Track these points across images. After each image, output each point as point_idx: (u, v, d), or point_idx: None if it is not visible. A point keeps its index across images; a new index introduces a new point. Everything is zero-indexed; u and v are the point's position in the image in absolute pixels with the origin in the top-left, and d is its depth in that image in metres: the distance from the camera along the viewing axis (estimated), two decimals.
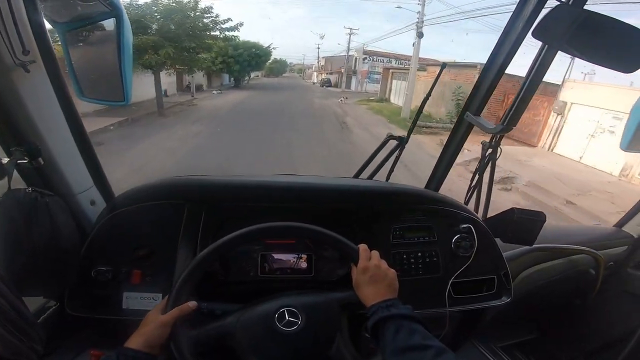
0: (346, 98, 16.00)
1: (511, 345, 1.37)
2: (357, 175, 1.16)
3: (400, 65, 21.93)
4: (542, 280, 1.18)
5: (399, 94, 15.32)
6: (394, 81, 16.56)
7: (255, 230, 0.61)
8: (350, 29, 28.24)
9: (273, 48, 22.86)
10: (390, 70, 18.52)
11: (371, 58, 28.17)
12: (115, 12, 0.52)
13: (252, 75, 34.00)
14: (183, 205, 0.75)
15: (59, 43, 0.57)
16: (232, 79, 23.23)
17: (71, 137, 0.68)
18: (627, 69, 0.66)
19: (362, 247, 0.61)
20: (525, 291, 1.13)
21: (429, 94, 1.06)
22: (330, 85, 33.62)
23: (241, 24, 9.81)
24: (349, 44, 28.13)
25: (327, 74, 36.68)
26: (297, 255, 0.80)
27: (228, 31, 9.57)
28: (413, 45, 10.41)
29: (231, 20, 9.72)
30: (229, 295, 0.69)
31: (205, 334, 0.57)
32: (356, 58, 28.93)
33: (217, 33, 9.65)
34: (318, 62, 42.89)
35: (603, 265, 1.22)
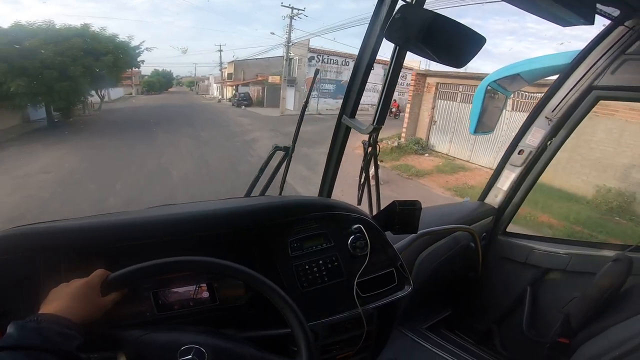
0: None
1: (435, 323, 1.90)
2: (248, 194, 1.42)
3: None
4: (436, 261, 1.66)
5: None
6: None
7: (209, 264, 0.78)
8: (293, 8, 20.21)
9: (146, 49, 16.29)
10: (437, 84, 11.24)
11: (320, 58, 23.23)
12: None
13: (119, 94, 24.92)
14: (36, 256, 0.84)
15: None
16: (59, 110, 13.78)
17: None
18: (460, 64, 0.99)
19: None
20: (427, 273, 1.58)
21: (306, 102, 1.40)
22: (250, 104, 26.68)
23: None
24: (289, 34, 20.22)
25: (239, 85, 30.09)
26: (195, 286, 0.94)
27: None
28: None
29: None
30: None
31: (99, 332, 0.68)
32: (292, 59, 23.36)
33: None
34: (222, 70, 36.99)
35: (477, 238, 1.78)
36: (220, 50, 36.91)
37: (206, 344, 0.72)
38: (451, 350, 1.68)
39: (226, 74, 36.27)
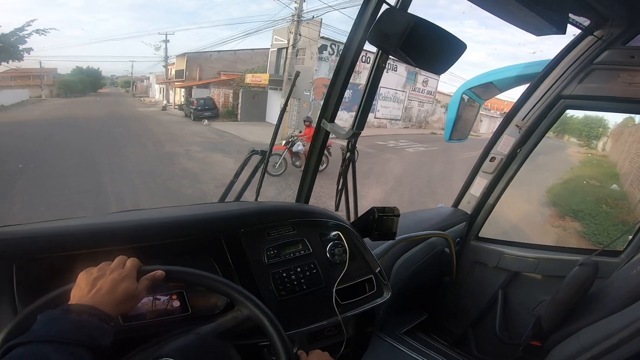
0: None
1: (412, 328, 2.08)
2: (222, 199, 1.48)
3: None
4: (413, 266, 1.80)
5: None
6: None
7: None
8: None
9: (36, 31, 12.39)
10: None
11: (335, 49, 17.64)
12: None
13: (22, 96, 20.33)
14: None
15: None
16: None
17: None
18: (441, 70, 1.11)
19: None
20: (404, 279, 1.70)
21: (284, 106, 1.49)
22: (215, 116, 20.11)
23: None
24: (300, 2, 13.92)
25: (194, 87, 23.81)
26: (165, 295, 0.97)
27: None
28: None
29: None
30: None
31: None
32: (284, 49, 16.97)
33: None
34: (167, 67, 31.58)
35: (452, 243, 1.97)
36: (166, 41, 30.42)
37: (170, 351, 0.76)
38: (428, 353, 1.85)
39: (173, 72, 30.37)
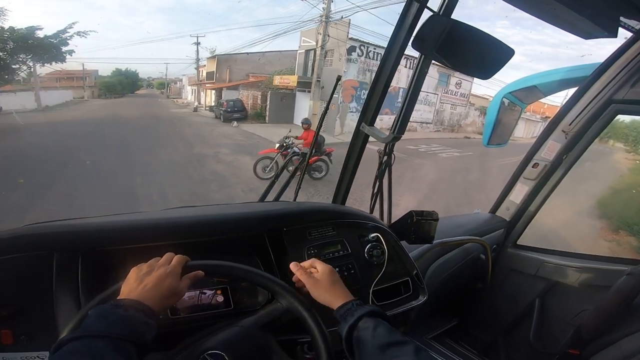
0: None
1: (440, 334, 2.08)
2: (262, 199, 1.56)
3: None
4: (447, 271, 1.81)
5: None
6: None
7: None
8: None
9: (77, 33, 12.22)
10: None
11: (364, 50, 17.40)
12: None
13: (66, 97, 21.81)
14: (50, 255, 0.92)
15: None
16: None
17: None
18: (486, 75, 1.10)
19: (292, 267, 0.95)
20: (436, 284, 1.71)
21: (327, 107, 1.53)
22: (244, 117, 20.59)
23: None
24: (328, 3, 14.61)
25: (224, 88, 24.51)
26: (210, 290, 1.04)
27: None
28: None
29: None
30: None
31: None
32: (311, 51, 17.73)
33: None
34: (198, 69, 32.46)
35: (489, 249, 1.96)
36: (197, 43, 31.32)
37: (217, 344, 0.81)
38: None
39: (204, 74, 31.37)
